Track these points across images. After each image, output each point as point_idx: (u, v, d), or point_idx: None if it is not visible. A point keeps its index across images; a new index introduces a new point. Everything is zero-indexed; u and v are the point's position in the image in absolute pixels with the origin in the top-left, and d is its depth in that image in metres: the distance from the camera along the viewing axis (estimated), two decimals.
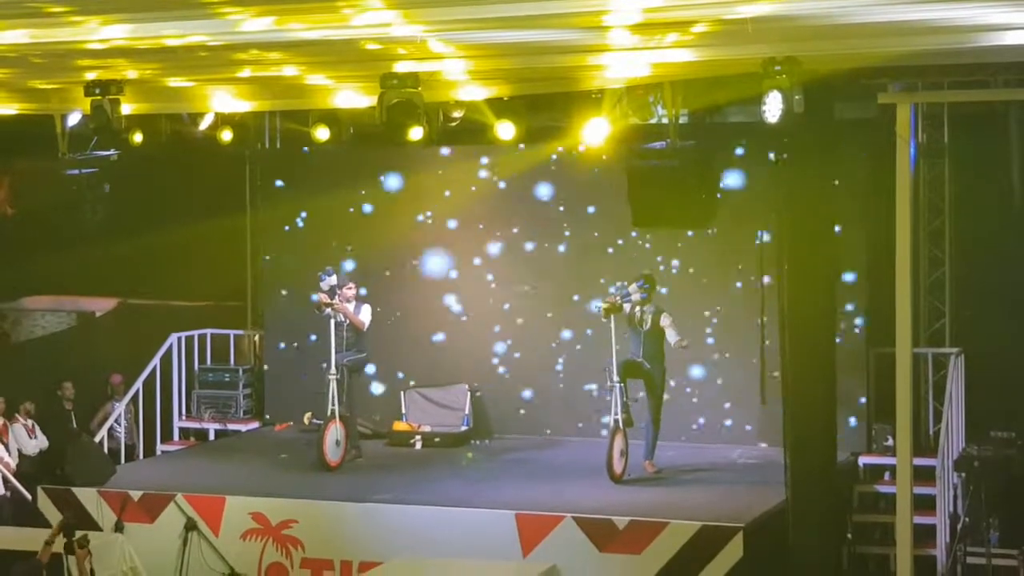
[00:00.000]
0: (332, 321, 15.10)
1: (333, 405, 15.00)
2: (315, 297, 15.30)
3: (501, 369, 16.92)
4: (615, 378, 14.41)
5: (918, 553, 13.41)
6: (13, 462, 15.81)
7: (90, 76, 12.25)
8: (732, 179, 15.61)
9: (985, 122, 15.56)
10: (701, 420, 16.21)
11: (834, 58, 11.44)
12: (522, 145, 16.21)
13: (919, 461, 13.69)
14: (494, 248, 16.98)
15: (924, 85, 13.94)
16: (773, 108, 11.14)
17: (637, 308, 14.58)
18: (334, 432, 15.04)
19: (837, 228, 14.18)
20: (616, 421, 14.33)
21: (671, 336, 14.52)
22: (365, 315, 15.28)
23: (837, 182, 13.85)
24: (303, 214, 17.50)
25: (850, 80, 12.78)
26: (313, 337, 16.88)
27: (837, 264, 14.43)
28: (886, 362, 14.11)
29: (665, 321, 14.55)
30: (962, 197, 15.63)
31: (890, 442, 14.58)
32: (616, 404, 14.39)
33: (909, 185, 12.67)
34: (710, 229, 15.65)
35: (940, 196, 15.64)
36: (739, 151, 15.85)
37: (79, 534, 11.63)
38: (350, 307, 15.17)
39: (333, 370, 15.04)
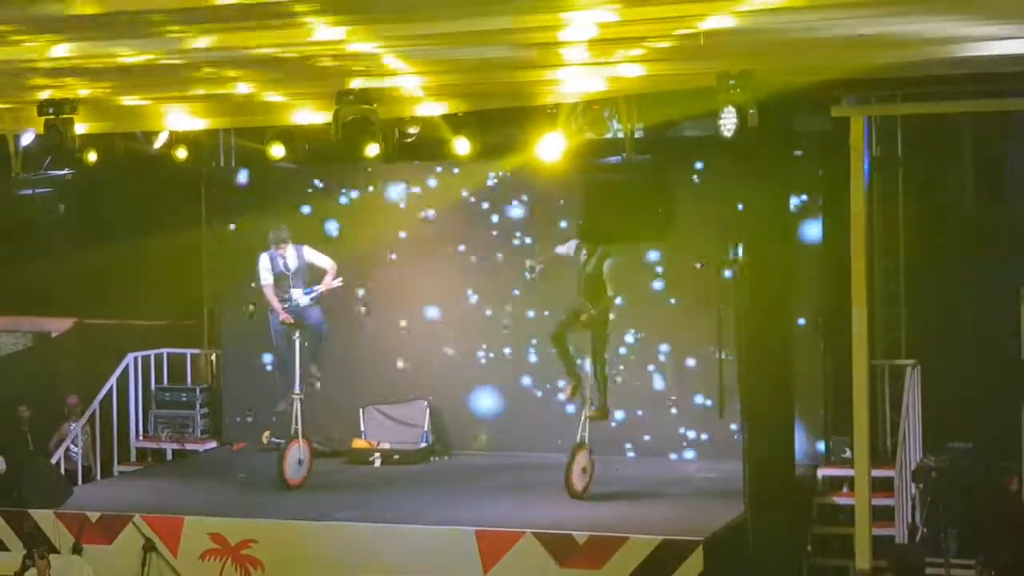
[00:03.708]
0: (296, 342, 14.97)
1: (296, 424, 14.92)
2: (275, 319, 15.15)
3: (461, 385, 16.88)
4: (586, 393, 14.32)
5: (881, 564, 13.45)
6: None
7: (43, 95, 12.21)
8: (689, 193, 15.64)
9: (938, 134, 15.66)
10: (659, 434, 16.22)
11: (788, 72, 11.50)
12: (478, 161, 16.24)
13: (877, 472, 13.74)
14: (456, 264, 16.97)
15: (877, 98, 14.03)
16: (728, 122, 11.19)
17: (583, 251, 14.28)
18: (296, 451, 14.96)
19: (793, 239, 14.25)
20: (582, 438, 14.27)
21: (608, 288, 14.37)
22: (324, 262, 15.11)
23: (792, 194, 13.91)
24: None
25: (804, 94, 12.83)
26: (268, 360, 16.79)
27: (793, 275, 14.47)
28: (843, 374, 14.15)
29: (608, 270, 14.14)
30: (916, 209, 15.71)
31: (848, 454, 14.62)
32: (583, 422, 14.30)
33: (864, 197, 12.73)
34: (666, 242, 15.66)
35: (894, 208, 15.71)
36: (697, 165, 15.90)
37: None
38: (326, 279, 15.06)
39: (296, 389, 14.96)
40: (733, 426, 15.22)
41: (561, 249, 14.66)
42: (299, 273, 15.01)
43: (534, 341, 16.58)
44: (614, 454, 15.65)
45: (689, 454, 16.14)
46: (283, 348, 15.03)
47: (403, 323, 17.09)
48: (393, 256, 17.13)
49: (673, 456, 16.17)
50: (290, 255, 14.95)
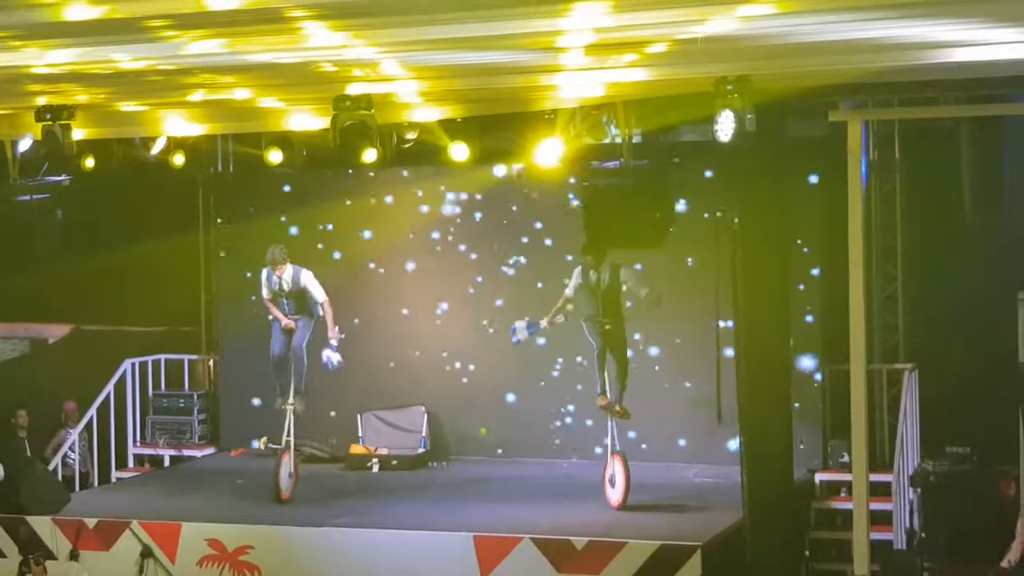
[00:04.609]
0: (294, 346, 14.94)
1: (288, 436, 14.86)
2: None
3: (459, 390, 16.87)
4: (611, 397, 14.30)
5: (875, 569, 13.45)
6: None
7: (40, 101, 12.20)
8: (686, 198, 15.65)
9: (935, 138, 15.66)
10: (658, 439, 16.21)
11: (785, 77, 11.50)
12: (476, 166, 16.25)
13: (875, 477, 13.73)
14: (451, 267, 16.97)
15: (874, 102, 14.04)
16: (725, 127, 11.19)
17: (591, 270, 14.19)
18: (287, 463, 14.84)
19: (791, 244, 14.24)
20: (613, 445, 14.22)
21: (639, 294, 14.30)
22: (319, 294, 14.92)
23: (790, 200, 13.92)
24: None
25: (801, 98, 12.85)
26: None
27: (791, 281, 14.49)
28: (841, 379, 14.16)
29: (626, 279, 14.18)
30: (914, 213, 15.72)
31: (846, 458, 14.62)
32: (612, 431, 14.25)
33: (861, 202, 12.73)
34: (665, 247, 15.66)
35: (892, 212, 15.72)
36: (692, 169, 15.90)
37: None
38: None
39: (290, 400, 14.91)
40: (730, 430, 15.24)
41: (570, 291, 14.56)
42: (294, 294, 14.87)
43: (532, 347, 16.59)
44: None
45: (688, 459, 16.12)
46: (279, 351, 14.95)
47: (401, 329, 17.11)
48: (393, 261, 17.15)
49: (671, 461, 16.16)
50: (286, 276, 14.86)
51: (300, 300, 14.81)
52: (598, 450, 15.54)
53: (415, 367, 17.01)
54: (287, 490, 14.73)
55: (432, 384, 16.89)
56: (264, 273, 14.91)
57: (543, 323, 14.60)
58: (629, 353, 14.92)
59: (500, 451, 16.71)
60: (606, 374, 14.25)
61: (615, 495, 14.08)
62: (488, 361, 16.79)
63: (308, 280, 14.82)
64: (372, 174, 16.84)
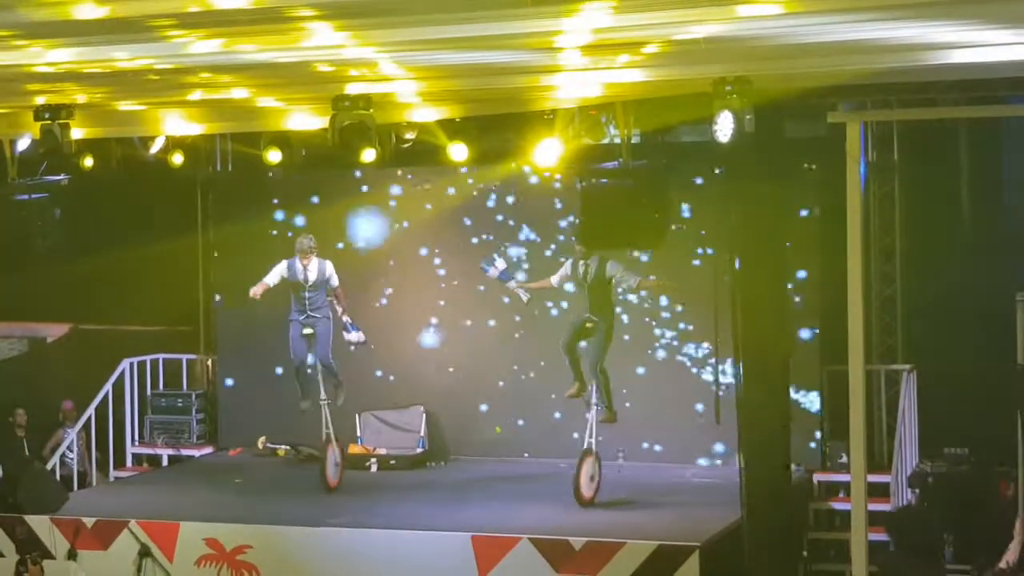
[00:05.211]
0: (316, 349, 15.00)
1: (327, 429, 14.94)
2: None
3: (457, 390, 16.87)
4: (593, 399, 14.30)
5: (873, 570, 13.45)
6: None
7: (39, 100, 12.20)
8: (684, 199, 15.64)
9: (934, 139, 15.66)
10: (656, 439, 16.21)
11: (784, 78, 11.52)
12: (475, 166, 16.26)
13: (873, 478, 13.70)
14: (449, 269, 16.97)
15: (873, 104, 14.03)
16: (724, 128, 11.20)
17: (580, 262, 14.33)
18: (333, 455, 15.02)
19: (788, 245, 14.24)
20: (589, 444, 14.25)
21: (629, 282, 14.41)
22: (334, 281, 15.04)
23: (788, 201, 13.93)
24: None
25: (800, 99, 12.85)
26: (279, 370, 16.78)
27: (789, 282, 14.47)
28: (839, 379, 14.14)
29: (613, 271, 14.27)
30: (912, 214, 15.73)
31: (844, 459, 14.62)
32: (591, 428, 14.28)
33: (860, 203, 12.72)
34: (663, 248, 15.65)
35: (891, 213, 15.72)
36: (691, 171, 15.89)
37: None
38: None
39: (323, 396, 14.97)
40: (728, 431, 15.23)
41: (555, 280, 14.68)
42: (317, 286, 14.94)
43: (529, 350, 16.60)
44: (610, 459, 15.61)
45: (686, 460, 16.11)
46: (299, 357, 15.00)
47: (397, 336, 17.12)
48: (391, 262, 17.15)
49: (670, 462, 16.15)
50: (312, 267, 14.90)
51: (319, 293, 14.90)
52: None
53: (414, 368, 16.99)
54: (335, 478, 14.97)
55: (431, 385, 16.88)
56: (283, 265, 14.94)
57: (513, 282, 14.91)
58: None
59: (502, 452, 16.68)
60: (581, 368, 14.33)
61: (589, 491, 14.15)
62: (489, 364, 16.78)
63: (332, 270, 14.99)
64: (370, 174, 16.83)
